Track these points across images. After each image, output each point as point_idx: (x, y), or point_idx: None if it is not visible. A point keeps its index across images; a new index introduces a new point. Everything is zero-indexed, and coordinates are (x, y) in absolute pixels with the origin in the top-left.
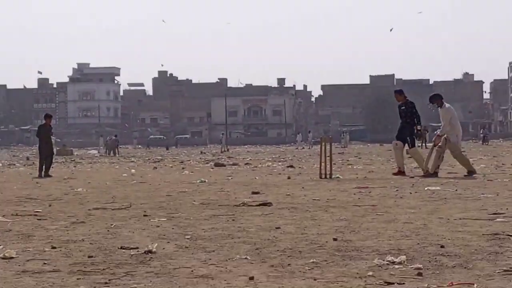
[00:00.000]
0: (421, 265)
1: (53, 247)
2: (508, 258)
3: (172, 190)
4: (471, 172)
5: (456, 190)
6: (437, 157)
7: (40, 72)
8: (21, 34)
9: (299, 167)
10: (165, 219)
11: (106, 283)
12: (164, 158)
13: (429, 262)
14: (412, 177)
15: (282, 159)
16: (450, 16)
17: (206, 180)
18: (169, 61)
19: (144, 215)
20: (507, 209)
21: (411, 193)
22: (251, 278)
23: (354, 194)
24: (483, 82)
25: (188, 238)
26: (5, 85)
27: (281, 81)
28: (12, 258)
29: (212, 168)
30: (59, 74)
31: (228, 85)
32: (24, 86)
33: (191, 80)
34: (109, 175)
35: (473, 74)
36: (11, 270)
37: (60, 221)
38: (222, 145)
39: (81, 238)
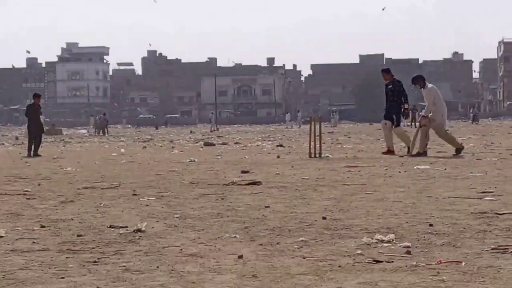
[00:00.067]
0: (410, 244)
1: (42, 226)
2: (496, 236)
3: (161, 169)
4: (459, 150)
5: (445, 169)
6: (423, 136)
7: (28, 52)
8: (9, 13)
9: (289, 146)
10: (155, 198)
11: (95, 261)
12: (153, 137)
13: (418, 240)
14: (401, 156)
15: (271, 139)
16: None
17: (196, 160)
18: (159, 40)
19: (134, 194)
20: (495, 187)
21: (400, 172)
22: (240, 257)
23: (344, 173)
24: (473, 62)
25: (177, 217)
26: None
27: (270, 60)
28: (1, 237)
29: (202, 148)
30: (48, 54)
31: (218, 65)
32: (13, 66)
33: (180, 60)
34: (99, 154)
35: (462, 54)
36: (0, 249)
37: (49, 200)
38: (212, 124)
39: (70, 217)
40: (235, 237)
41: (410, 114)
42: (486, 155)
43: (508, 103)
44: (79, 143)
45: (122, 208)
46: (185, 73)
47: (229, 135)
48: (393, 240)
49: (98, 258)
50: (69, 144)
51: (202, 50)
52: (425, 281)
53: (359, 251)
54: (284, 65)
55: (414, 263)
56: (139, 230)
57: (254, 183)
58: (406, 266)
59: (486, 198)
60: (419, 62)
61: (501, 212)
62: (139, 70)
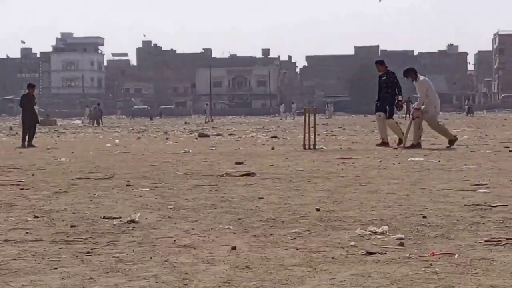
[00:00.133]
0: (403, 235)
1: (36, 217)
2: (489, 228)
3: (155, 160)
4: (452, 141)
5: (439, 161)
6: (417, 128)
7: (23, 42)
8: (3, 4)
9: (283, 138)
10: (148, 189)
11: (88, 252)
12: (148, 128)
13: (411, 232)
14: (396, 148)
15: (266, 130)
16: None
17: (190, 151)
18: (154, 31)
19: (127, 185)
20: (489, 180)
21: (394, 164)
22: (234, 248)
23: (338, 164)
24: (468, 54)
25: (171, 208)
26: None
27: (265, 51)
28: None
29: (196, 139)
30: (42, 44)
31: (213, 56)
32: (7, 56)
33: (175, 51)
34: (93, 145)
35: (457, 46)
36: None
37: (43, 191)
38: (206, 115)
39: (64, 208)
40: (228, 228)
41: (405, 106)
42: (480, 147)
43: (502, 95)
44: (74, 133)
45: (115, 199)
46: (180, 64)
47: (223, 126)
48: (386, 232)
49: (92, 249)
50: (63, 135)
51: (197, 41)
52: (418, 273)
53: (352, 243)
54: (279, 56)
55: (407, 255)
56: (132, 221)
57: (248, 174)
58: (399, 258)
59: (480, 190)
60: (414, 54)
61: (495, 205)
62: (134, 61)
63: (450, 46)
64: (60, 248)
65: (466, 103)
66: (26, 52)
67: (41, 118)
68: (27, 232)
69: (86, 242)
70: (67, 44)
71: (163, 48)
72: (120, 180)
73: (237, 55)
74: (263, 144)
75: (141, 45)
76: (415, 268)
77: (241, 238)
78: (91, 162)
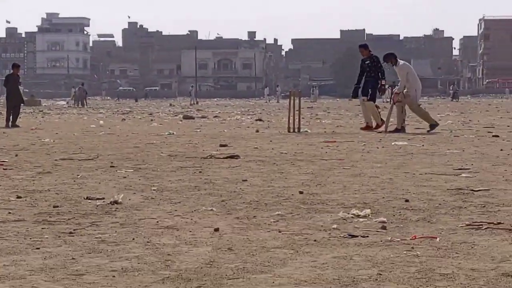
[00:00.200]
0: (385, 219)
1: (19, 197)
2: (471, 212)
3: (140, 141)
4: (433, 126)
5: (423, 145)
6: (400, 112)
7: (8, 22)
8: None
9: (268, 121)
10: (132, 170)
11: (71, 232)
12: (133, 110)
13: (393, 215)
14: (380, 132)
15: (251, 113)
16: None
17: (174, 133)
18: (140, 12)
19: (111, 166)
20: (472, 164)
21: (378, 148)
22: (216, 230)
23: (322, 148)
24: (453, 39)
25: (154, 190)
26: None
27: (251, 34)
28: None
29: (181, 121)
30: (27, 24)
31: (199, 38)
32: None
33: (161, 32)
34: (77, 126)
35: (443, 31)
36: None
37: (26, 171)
38: (192, 97)
39: (47, 188)
40: (211, 210)
41: (389, 90)
42: (463, 132)
43: (487, 80)
44: (58, 114)
45: (99, 180)
46: (166, 45)
47: (208, 109)
48: (369, 215)
49: (74, 229)
50: (47, 115)
51: (183, 22)
52: (400, 256)
53: (335, 226)
54: (265, 39)
55: (389, 238)
56: (115, 202)
57: (232, 156)
58: (381, 241)
59: (463, 174)
60: (400, 39)
61: (477, 189)
62: (119, 42)
63: (436, 30)
64: (42, 229)
65: (451, 88)
66: (11, 32)
67: (26, 99)
68: (9, 212)
69: (69, 222)
70: (52, 24)
71: (149, 30)
72: (104, 161)
73: (223, 38)
74: (248, 127)
75: (127, 26)
76: (396, 251)
77: (224, 220)
78: (75, 143)
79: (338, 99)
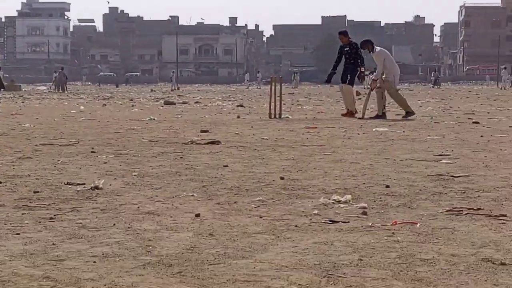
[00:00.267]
0: (366, 205)
1: None
2: (451, 198)
3: (120, 127)
4: (408, 113)
5: (404, 131)
6: (380, 98)
7: None
8: None
9: (249, 107)
10: (113, 156)
11: (51, 218)
12: (113, 95)
13: (374, 201)
14: (360, 118)
15: (232, 99)
16: None
17: (155, 118)
18: None
19: (92, 152)
20: (452, 151)
21: (359, 134)
22: (197, 215)
23: (303, 134)
24: (434, 25)
25: (135, 175)
26: None
27: (233, 20)
28: None
29: (162, 106)
30: (7, 8)
31: (180, 23)
32: None
33: (142, 17)
34: (58, 111)
35: (424, 17)
36: None
37: (6, 156)
38: (173, 83)
39: (27, 174)
40: (192, 195)
41: (370, 77)
42: (444, 118)
43: (467, 67)
44: (38, 99)
45: (80, 165)
46: (147, 31)
47: (189, 94)
48: (349, 201)
49: (55, 215)
50: (28, 101)
51: (164, 7)
52: (380, 241)
53: (315, 211)
54: (246, 25)
55: (370, 224)
56: (96, 188)
57: (213, 142)
58: (362, 226)
59: (443, 161)
60: (381, 25)
61: (457, 175)
62: (100, 27)
63: (417, 17)
64: (22, 214)
65: (432, 75)
66: None
67: (6, 84)
68: None
69: (49, 208)
70: (32, 9)
71: (130, 15)
72: (84, 147)
73: (204, 23)
74: (229, 113)
75: (107, 12)
76: (377, 236)
77: (205, 205)
78: (55, 128)
79: (319, 85)
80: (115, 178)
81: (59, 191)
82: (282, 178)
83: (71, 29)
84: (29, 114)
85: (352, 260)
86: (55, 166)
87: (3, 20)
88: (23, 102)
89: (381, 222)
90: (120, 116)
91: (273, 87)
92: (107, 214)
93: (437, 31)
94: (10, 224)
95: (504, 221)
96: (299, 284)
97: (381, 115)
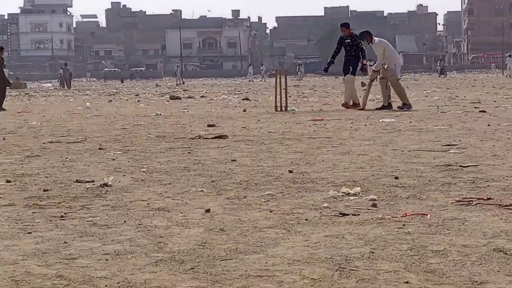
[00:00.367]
0: (376, 196)
1: (8, 181)
2: (460, 188)
3: (127, 123)
4: (405, 105)
5: (410, 122)
6: (384, 88)
7: None
8: None
9: (255, 100)
10: (121, 152)
11: (62, 216)
12: (119, 91)
13: (384, 193)
14: (361, 109)
15: (237, 92)
16: None
17: (162, 113)
18: None
19: (100, 148)
20: (460, 140)
21: (366, 125)
22: (207, 211)
23: (310, 126)
24: (437, 14)
25: (144, 171)
26: None
27: (236, 13)
28: None
29: (168, 101)
30: (10, 5)
31: (183, 17)
32: None
33: (145, 12)
34: (64, 108)
35: (426, 6)
36: None
37: (15, 155)
38: (178, 77)
39: (36, 172)
40: (202, 191)
41: (371, 68)
42: (450, 108)
43: (472, 56)
44: (44, 97)
45: (88, 162)
46: (150, 25)
47: (195, 89)
48: (359, 193)
49: (65, 213)
50: (33, 98)
51: (167, 2)
52: (391, 233)
53: (325, 204)
54: (249, 17)
55: (380, 216)
56: (105, 185)
57: (221, 136)
58: (372, 219)
59: (451, 151)
60: (384, 15)
61: (466, 165)
62: (103, 22)
63: (420, 6)
64: (33, 213)
65: (438, 64)
66: None
67: (11, 81)
68: (0, 197)
69: (60, 206)
70: (35, 6)
71: (132, 10)
72: (92, 144)
73: (207, 17)
74: (235, 106)
75: (110, 7)
76: (388, 229)
77: (215, 200)
78: (62, 126)
79: (324, 77)
80: (124, 175)
81: (68, 189)
82: (290, 172)
83: (74, 25)
84: (35, 111)
85: (364, 253)
86: (63, 164)
87: (6, 17)
88: (29, 99)
89: (391, 214)
90: (127, 112)
91: (278, 80)
92: (117, 211)
93: (440, 19)
94: (22, 223)
95: None
96: (312, 278)
97: (387, 106)
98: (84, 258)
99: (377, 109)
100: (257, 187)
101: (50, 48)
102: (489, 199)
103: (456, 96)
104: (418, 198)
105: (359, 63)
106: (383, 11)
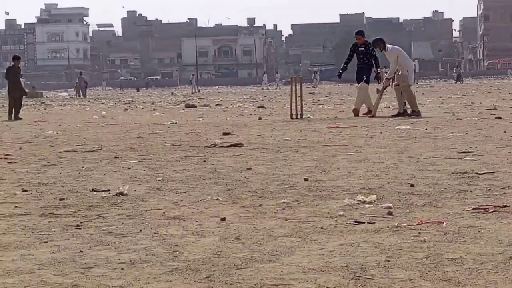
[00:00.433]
0: (391, 204)
1: (24, 190)
2: (476, 196)
3: (143, 131)
4: (414, 112)
5: (426, 129)
6: (399, 95)
7: (7, 13)
8: None
9: (270, 108)
10: (136, 161)
11: (78, 225)
12: (135, 99)
13: (399, 201)
14: (372, 116)
15: (253, 100)
16: None
17: (177, 122)
18: (138, 1)
19: (115, 157)
20: (476, 147)
21: (381, 133)
22: (223, 219)
23: (325, 134)
24: (453, 20)
25: (159, 180)
26: None
27: (251, 20)
28: None
29: (183, 109)
30: (27, 15)
31: (198, 25)
32: None
33: (160, 21)
34: (80, 117)
35: (442, 12)
36: None
37: (31, 164)
38: (193, 86)
39: (52, 181)
40: (217, 199)
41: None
42: (466, 114)
43: (488, 62)
44: (60, 106)
45: (104, 171)
46: (165, 34)
47: (210, 97)
48: (374, 201)
49: (81, 222)
50: (50, 107)
51: (182, 10)
52: (407, 241)
53: (341, 212)
54: (264, 25)
55: (396, 224)
56: (121, 194)
57: (236, 145)
58: (388, 227)
59: (467, 158)
60: (400, 21)
61: (482, 172)
62: (119, 31)
63: (435, 12)
64: (49, 222)
65: (454, 70)
66: (11, 23)
67: (27, 91)
68: (16, 206)
69: (75, 215)
70: (51, 15)
71: (148, 18)
72: (108, 152)
73: (223, 25)
74: (250, 114)
75: (125, 16)
76: (403, 237)
77: (230, 209)
78: (78, 135)
79: (339, 84)
80: (140, 184)
81: (84, 198)
82: (306, 180)
83: (90, 34)
84: (51, 120)
85: (379, 261)
86: (79, 173)
87: (22, 27)
88: (45, 109)
89: (407, 222)
90: (142, 121)
91: (293, 87)
92: (133, 220)
93: (456, 26)
94: (38, 232)
95: None
96: (327, 287)
97: (403, 113)
98: (100, 267)
99: (392, 116)
100: (273, 195)
101: (66, 57)
102: (505, 206)
103: (472, 102)
104: (434, 206)
105: (373, 71)
106: (398, 18)
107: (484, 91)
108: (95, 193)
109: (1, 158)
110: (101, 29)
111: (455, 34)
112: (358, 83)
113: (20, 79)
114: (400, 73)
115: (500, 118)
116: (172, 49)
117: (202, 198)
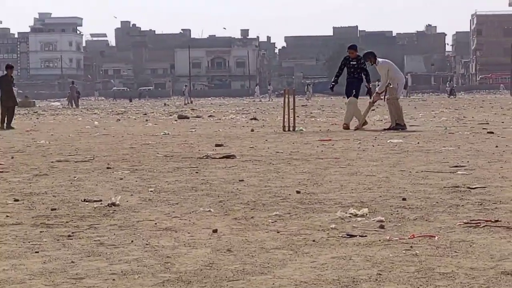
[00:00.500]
0: (383, 218)
1: (16, 200)
2: (468, 210)
3: (135, 142)
4: (399, 125)
5: (418, 143)
6: (391, 108)
7: (0, 22)
8: None
9: (263, 120)
10: (129, 171)
11: (69, 235)
12: (127, 110)
13: (391, 214)
14: (356, 129)
15: (245, 112)
16: None
17: (170, 133)
18: (132, 11)
19: (107, 168)
20: (467, 162)
21: (373, 146)
22: (215, 231)
23: (317, 146)
24: (446, 35)
25: (151, 191)
26: None
27: (244, 32)
28: None
29: (176, 121)
30: (20, 24)
31: (192, 36)
32: None
33: (154, 31)
34: (72, 127)
35: (435, 26)
36: None
37: (23, 174)
38: (186, 97)
39: (44, 191)
40: (209, 211)
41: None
42: (458, 129)
43: (480, 76)
44: (53, 115)
45: (96, 182)
46: (159, 44)
47: (203, 108)
48: (366, 214)
49: (73, 232)
50: (42, 117)
51: (175, 21)
52: (399, 255)
53: (333, 226)
54: (258, 37)
55: (388, 238)
56: (113, 204)
57: (228, 156)
58: (379, 240)
59: (459, 172)
60: (393, 35)
61: (474, 186)
62: (112, 42)
63: (428, 26)
64: (41, 232)
65: (447, 85)
66: (4, 32)
67: (20, 100)
68: (7, 216)
69: (67, 225)
70: (45, 25)
71: (141, 29)
72: (100, 163)
73: (216, 36)
74: (243, 126)
75: (119, 26)
76: (395, 250)
77: (222, 221)
78: (70, 144)
79: (332, 97)
80: (132, 194)
81: (76, 208)
82: (298, 192)
83: (84, 44)
84: (44, 130)
85: (371, 274)
86: (71, 183)
87: (16, 36)
88: (37, 118)
89: (398, 236)
90: (135, 131)
91: (286, 100)
92: (124, 231)
93: (449, 40)
94: (29, 242)
95: None
96: None
97: (403, 125)
98: (91, 278)
99: (385, 129)
100: (265, 207)
101: (60, 67)
102: (497, 221)
103: (464, 117)
104: (426, 220)
105: (364, 86)
106: (391, 31)
107: (476, 105)
108: (87, 203)
109: None
110: (95, 39)
111: (448, 48)
112: (348, 97)
113: (13, 88)
114: (391, 86)
115: (492, 132)
116: (166, 60)
117: (194, 209)
